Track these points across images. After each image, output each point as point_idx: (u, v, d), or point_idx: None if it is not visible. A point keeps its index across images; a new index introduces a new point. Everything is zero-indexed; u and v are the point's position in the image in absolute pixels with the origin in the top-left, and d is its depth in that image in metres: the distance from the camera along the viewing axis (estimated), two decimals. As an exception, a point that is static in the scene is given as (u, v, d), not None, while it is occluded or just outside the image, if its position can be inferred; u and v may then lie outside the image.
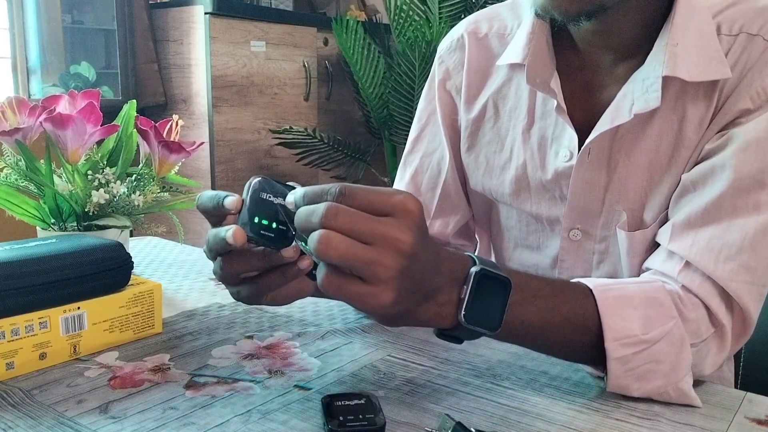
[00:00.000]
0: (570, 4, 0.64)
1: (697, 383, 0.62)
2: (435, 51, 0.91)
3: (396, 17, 2.92)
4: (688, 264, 0.65)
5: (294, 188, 0.53)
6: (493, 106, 0.82)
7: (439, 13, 2.90)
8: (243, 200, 0.52)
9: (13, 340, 0.62)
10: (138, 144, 0.87)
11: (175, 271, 1.00)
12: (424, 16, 2.93)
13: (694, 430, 0.56)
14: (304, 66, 3.09)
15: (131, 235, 1.08)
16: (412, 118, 1.65)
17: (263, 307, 0.84)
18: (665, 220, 0.71)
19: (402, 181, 0.90)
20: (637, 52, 0.71)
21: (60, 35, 2.81)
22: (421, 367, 0.66)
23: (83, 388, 0.60)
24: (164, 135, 0.86)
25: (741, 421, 0.57)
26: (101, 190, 0.80)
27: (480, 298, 0.53)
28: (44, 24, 2.73)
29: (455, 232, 0.89)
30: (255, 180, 0.53)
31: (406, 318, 0.52)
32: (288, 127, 2.87)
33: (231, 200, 0.53)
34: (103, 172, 0.82)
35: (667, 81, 0.67)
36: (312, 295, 0.59)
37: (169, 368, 0.65)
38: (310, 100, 3.16)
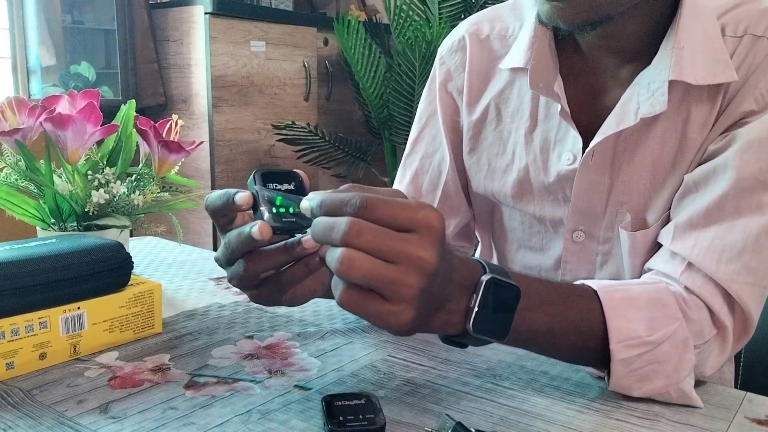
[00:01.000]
0: (576, 15, 0.64)
1: (698, 383, 0.62)
2: (435, 51, 0.91)
3: (396, 17, 2.92)
4: (690, 265, 0.64)
5: (296, 174, 0.54)
6: (495, 109, 0.82)
7: (439, 13, 2.90)
8: (253, 195, 0.53)
9: (13, 340, 0.62)
10: (138, 144, 0.87)
11: (175, 271, 1.00)
12: (424, 16, 2.93)
13: (694, 430, 0.56)
14: (304, 66, 3.09)
15: (131, 235, 1.08)
16: (412, 118, 1.64)
17: (263, 307, 0.84)
18: (667, 220, 0.71)
19: (402, 182, 0.90)
20: (641, 54, 0.71)
21: (60, 35, 2.81)
22: (421, 367, 0.66)
23: (83, 388, 0.60)
24: (164, 135, 0.86)
25: (741, 421, 0.57)
26: (101, 190, 0.80)
27: (489, 307, 0.52)
28: (44, 24, 2.73)
29: (456, 233, 0.89)
30: (257, 173, 0.53)
31: (418, 329, 0.51)
32: (290, 122, 2.87)
33: (242, 196, 0.52)
34: (103, 172, 0.82)
35: (672, 84, 0.67)
36: (325, 296, 0.58)
37: (169, 368, 0.65)
38: (310, 100, 3.15)
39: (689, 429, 0.56)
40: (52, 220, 0.82)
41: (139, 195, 0.83)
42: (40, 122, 0.79)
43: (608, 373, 0.60)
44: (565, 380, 0.64)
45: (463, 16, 2.88)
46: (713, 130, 0.68)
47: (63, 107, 0.83)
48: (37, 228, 0.83)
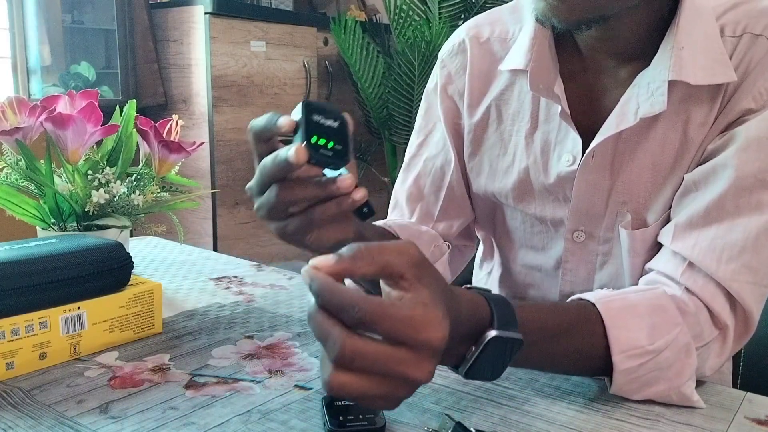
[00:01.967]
0: (569, 13, 0.64)
1: (697, 383, 0.62)
2: (435, 51, 0.91)
3: (396, 17, 2.92)
4: (690, 265, 0.64)
5: (343, 116, 0.54)
6: (496, 110, 0.82)
7: (439, 13, 2.90)
8: (296, 123, 0.53)
9: (13, 340, 0.61)
10: (138, 144, 0.87)
11: (175, 271, 1.00)
12: (424, 16, 2.93)
13: (694, 430, 0.56)
14: (304, 66, 3.08)
15: (131, 235, 1.08)
16: (412, 118, 1.63)
17: (263, 306, 0.84)
18: (667, 219, 0.71)
19: (405, 184, 0.90)
20: (641, 55, 0.70)
21: (60, 35, 2.81)
22: (421, 367, 0.66)
23: (83, 388, 0.60)
24: (164, 135, 0.86)
25: (741, 421, 0.57)
26: (101, 190, 0.80)
27: (486, 360, 0.51)
28: (44, 24, 2.73)
29: (459, 233, 0.89)
30: (304, 103, 0.53)
31: None
32: (291, 121, 2.87)
33: (284, 119, 0.52)
34: (103, 172, 0.82)
35: (672, 84, 0.67)
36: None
37: (169, 368, 0.65)
38: (310, 100, 3.15)
39: (689, 429, 0.56)
40: (52, 220, 0.82)
41: (139, 195, 0.83)
42: (41, 122, 0.79)
43: (610, 380, 0.60)
44: (565, 380, 0.64)
45: (463, 16, 2.88)
46: (712, 129, 0.68)
47: (63, 107, 0.83)
48: (37, 228, 0.83)
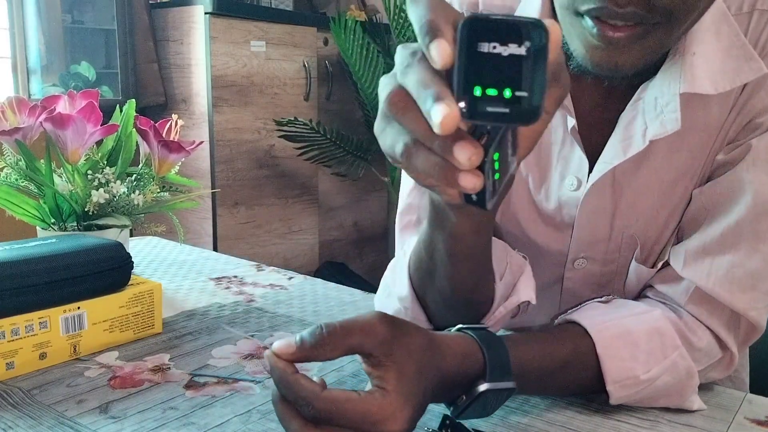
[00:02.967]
0: (638, 59, 0.53)
1: (699, 385, 0.62)
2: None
3: (396, 17, 2.92)
4: (698, 293, 0.61)
5: (536, 27, 0.32)
6: None
7: (439, 13, 2.90)
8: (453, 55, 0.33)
9: (13, 340, 0.61)
10: (138, 144, 0.87)
11: (175, 271, 1.00)
12: (424, 16, 2.92)
13: (695, 431, 0.56)
14: (304, 66, 3.08)
15: (131, 235, 1.08)
16: (412, 118, 1.60)
17: (263, 307, 0.84)
18: (678, 239, 0.66)
19: (407, 188, 0.78)
20: (648, 67, 0.60)
21: (60, 35, 2.81)
22: (421, 367, 0.66)
23: (83, 388, 0.60)
24: (164, 135, 0.86)
25: (741, 422, 0.57)
26: (101, 190, 0.80)
27: (477, 406, 0.51)
28: (44, 24, 2.73)
29: None
30: (468, 22, 0.32)
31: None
32: (293, 118, 2.87)
33: (441, 47, 0.32)
34: (102, 171, 0.82)
35: (685, 98, 0.59)
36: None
37: (169, 368, 0.65)
38: (310, 100, 3.15)
39: (689, 430, 0.56)
40: (52, 220, 0.82)
41: (139, 195, 0.83)
42: (40, 122, 0.79)
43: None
44: (565, 380, 0.64)
45: (463, 16, 2.87)
46: (723, 131, 0.62)
47: (63, 107, 0.83)
48: (37, 228, 0.83)
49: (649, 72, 0.60)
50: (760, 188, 0.59)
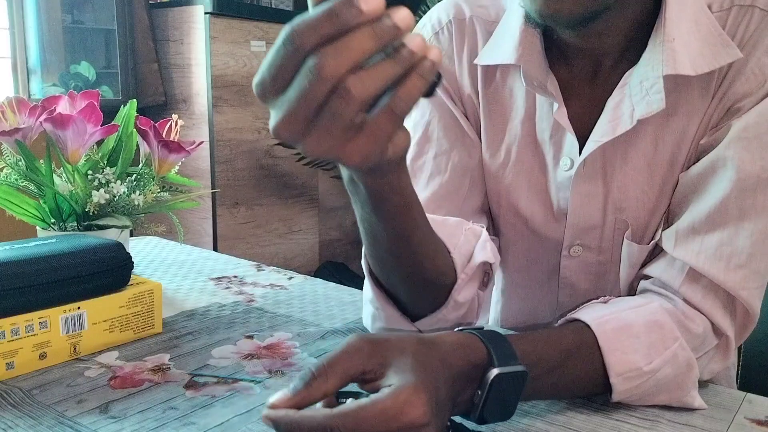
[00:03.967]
0: (575, 5, 0.58)
1: (699, 384, 0.62)
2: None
3: (396, 17, 2.92)
4: (691, 273, 0.62)
5: None
6: (485, 106, 0.75)
7: (439, 13, 2.90)
8: None
9: (13, 340, 0.62)
10: (138, 144, 0.87)
11: (175, 271, 1.00)
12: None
13: (694, 431, 0.56)
14: (304, 66, 3.09)
15: (131, 235, 1.08)
16: (411, 119, 1.60)
17: (263, 306, 0.84)
18: (668, 222, 0.68)
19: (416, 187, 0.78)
20: (627, 52, 0.67)
21: (60, 35, 2.81)
22: (421, 367, 0.66)
23: (83, 388, 0.60)
24: (164, 135, 0.86)
25: (741, 422, 0.57)
26: (101, 190, 0.80)
27: (494, 397, 0.50)
28: (44, 24, 2.73)
29: (475, 211, 0.79)
30: None
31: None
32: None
33: None
34: (103, 172, 0.82)
35: (665, 79, 0.63)
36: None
37: (169, 368, 0.65)
38: (310, 100, 3.16)
39: (689, 429, 0.56)
40: (52, 220, 0.82)
41: (139, 195, 0.83)
42: (41, 122, 0.79)
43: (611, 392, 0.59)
44: (565, 380, 0.64)
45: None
46: (705, 118, 0.65)
47: (63, 107, 0.83)
48: (37, 228, 0.83)
49: (632, 60, 0.66)
50: (741, 165, 0.61)
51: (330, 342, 0.72)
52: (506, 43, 0.70)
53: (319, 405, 0.46)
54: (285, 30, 0.37)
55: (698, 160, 0.65)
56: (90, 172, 0.82)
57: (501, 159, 0.75)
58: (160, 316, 0.74)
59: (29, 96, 2.70)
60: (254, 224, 2.93)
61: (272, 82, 0.38)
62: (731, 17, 0.64)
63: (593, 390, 0.59)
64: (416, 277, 0.62)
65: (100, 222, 0.81)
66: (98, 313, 0.68)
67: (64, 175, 0.82)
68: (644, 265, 0.70)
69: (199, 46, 2.77)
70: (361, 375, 0.45)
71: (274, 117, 0.39)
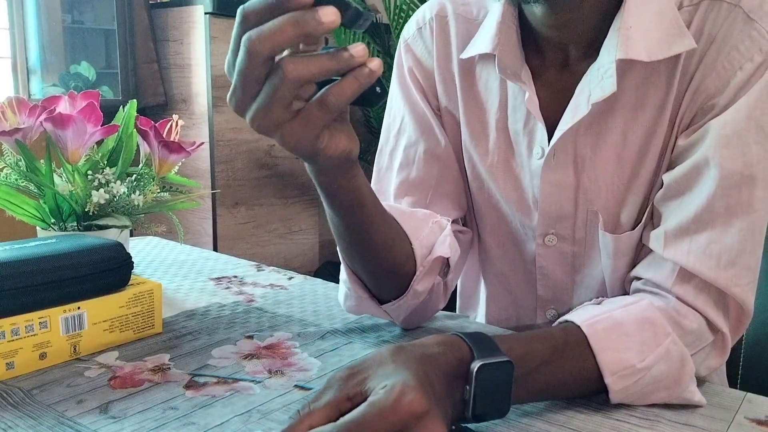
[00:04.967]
0: None
1: (697, 383, 0.62)
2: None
3: (395, 17, 2.92)
4: (682, 273, 0.63)
5: None
6: (464, 97, 0.78)
7: (439, 13, 2.90)
8: None
9: (13, 340, 0.62)
10: (138, 144, 0.87)
11: (175, 271, 1.00)
12: (424, 16, 2.92)
13: (694, 431, 0.56)
14: (304, 66, 3.09)
15: (131, 235, 1.08)
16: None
17: (263, 307, 0.84)
18: (650, 217, 0.69)
19: (392, 171, 0.81)
20: (596, 45, 0.68)
21: (60, 35, 2.81)
22: (421, 367, 0.66)
23: (83, 388, 0.60)
24: (164, 135, 0.86)
25: (741, 422, 0.57)
26: (101, 190, 0.80)
27: (483, 391, 0.51)
28: (44, 24, 2.73)
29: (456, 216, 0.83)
30: None
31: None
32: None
33: None
34: (103, 172, 0.82)
35: (624, 66, 0.64)
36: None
37: (169, 368, 0.65)
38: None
39: (689, 429, 0.56)
40: (52, 220, 0.82)
41: (139, 195, 0.83)
42: (41, 122, 0.79)
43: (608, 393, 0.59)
44: (565, 380, 0.64)
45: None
46: (677, 111, 0.66)
47: (63, 107, 0.83)
48: (37, 228, 0.83)
49: (599, 51, 0.67)
50: (723, 163, 0.62)
51: (330, 342, 0.72)
52: (484, 36, 0.73)
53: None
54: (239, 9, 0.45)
55: (678, 160, 0.66)
56: (90, 172, 0.82)
57: (481, 148, 0.78)
58: (160, 316, 0.74)
59: (29, 96, 2.70)
60: (254, 224, 2.93)
61: (227, 66, 0.47)
62: (700, 12, 0.64)
63: (588, 390, 0.59)
64: (375, 266, 0.67)
65: (100, 222, 0.81)
66: (98, 313, 0.68)
67: (64, 175, 0.82)
68: (635, 264, 0.70)
69: (199, 46, 2.77)
70: (348, 401, 0.47)
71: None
